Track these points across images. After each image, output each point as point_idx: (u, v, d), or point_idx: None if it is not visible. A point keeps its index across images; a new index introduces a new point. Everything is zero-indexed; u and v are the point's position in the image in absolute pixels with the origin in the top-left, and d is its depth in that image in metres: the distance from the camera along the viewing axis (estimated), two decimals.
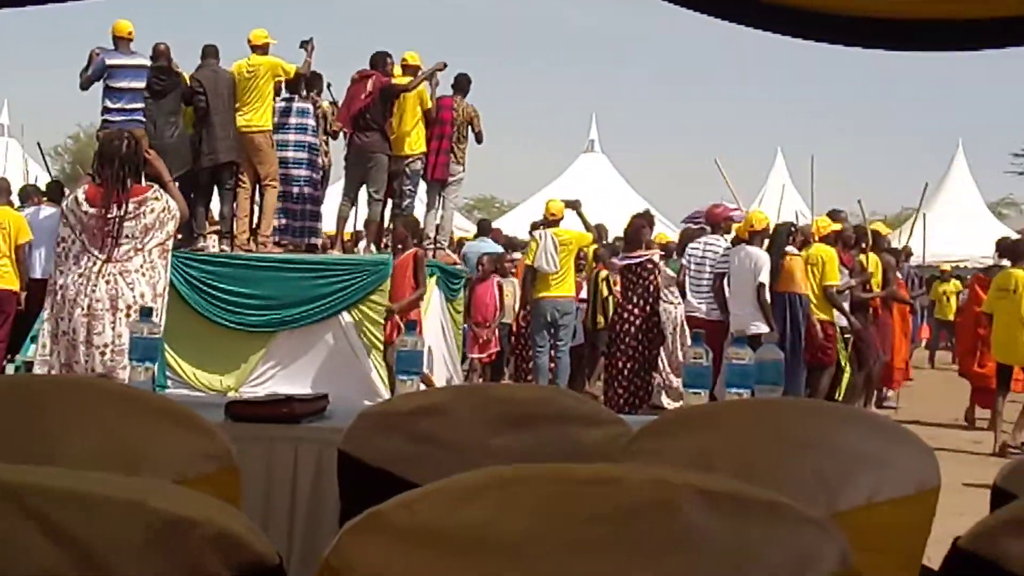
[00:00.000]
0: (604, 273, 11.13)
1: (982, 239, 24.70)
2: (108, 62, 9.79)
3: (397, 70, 10.66)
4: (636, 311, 9.91)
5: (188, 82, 10.03)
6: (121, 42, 9.95)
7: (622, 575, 1.15)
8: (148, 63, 9.90)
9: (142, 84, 9.79)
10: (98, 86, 9.88)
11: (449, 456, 2.14)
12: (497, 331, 11.38)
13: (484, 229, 14.26)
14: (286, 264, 9.60)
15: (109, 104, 9.83)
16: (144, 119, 9.69)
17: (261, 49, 10.27)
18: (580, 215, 10.69)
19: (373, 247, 10.31)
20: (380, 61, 10.36)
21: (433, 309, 10.20)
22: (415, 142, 10.44)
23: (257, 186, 10.24)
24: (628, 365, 9.84)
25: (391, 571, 1.17)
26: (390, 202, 10.58)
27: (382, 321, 9.27)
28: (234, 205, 10.16)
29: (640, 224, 10.35)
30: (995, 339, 9.75)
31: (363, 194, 10.53)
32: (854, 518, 1.99)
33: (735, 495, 1.20)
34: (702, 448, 2.06)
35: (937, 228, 22.26)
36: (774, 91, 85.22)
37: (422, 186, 11.02)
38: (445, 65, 10.76)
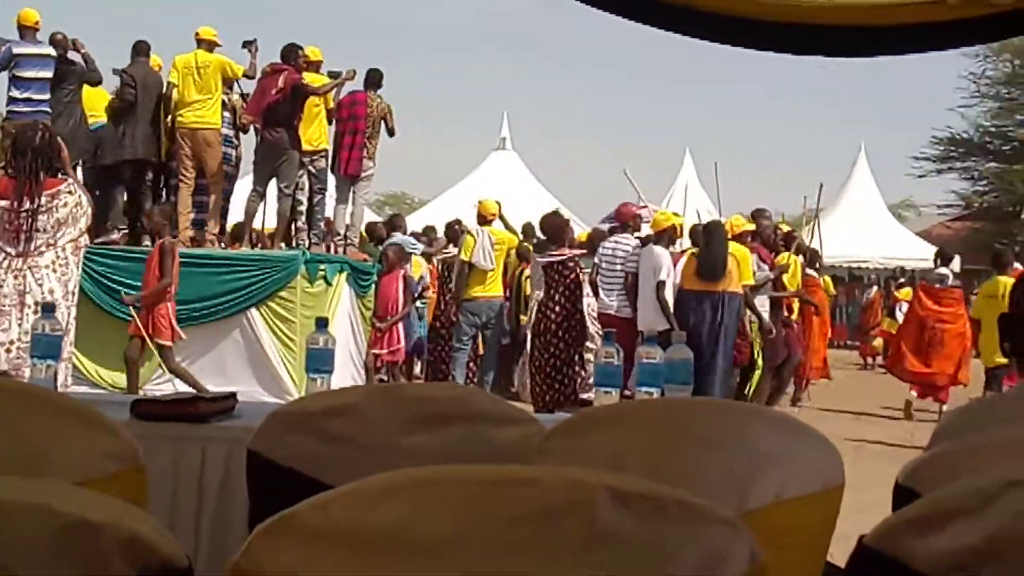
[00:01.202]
0: (527, 271, 11.19)
1: (883, 241, 25.39)
2: (15, 51, 9.63)
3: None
4: (558, 308, 9.97)
5: (88, 67, 10.01)
6: (27, 31, 9.80)
7: None
8: (54, 54, 9.72)
9: (49, 74, 9.64)
10: (3, 76, 9.67)
11: (361, 456, 2.12)
12: (403, 327, 11.15)
13: (396, 225, 14.18)
14: (194, 259, 9.44)
15: (15, 94, 9.68)
16: (50, 110, 9.49)
17: (208, 45, 10.27)
18: (502, 217, 10.78)
19: (282, 243, 10.21)
20: (292, 54, 10.27)
21: (342, 306, 10.13)
22: (316, 138, 10.37)
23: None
24: (551, 362, 9.90)
25: (304, 574, 1.16)
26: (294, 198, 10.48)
27: (293, 319, 9.19)
28: (172, 200, 10.23)
29: (561, 222, 10.47)
30: (983, 344, 10.15)
31: (272, 189, 10.42)
32: (763, 516, 2.03)
33: (648, 495, 1.21)
34: (613, 448, 2.08)
35: (839, 229, 22.78)
36: (683, 89, 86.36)
37: (331, 181, 10.94)
38: (355, 73, 10.72)
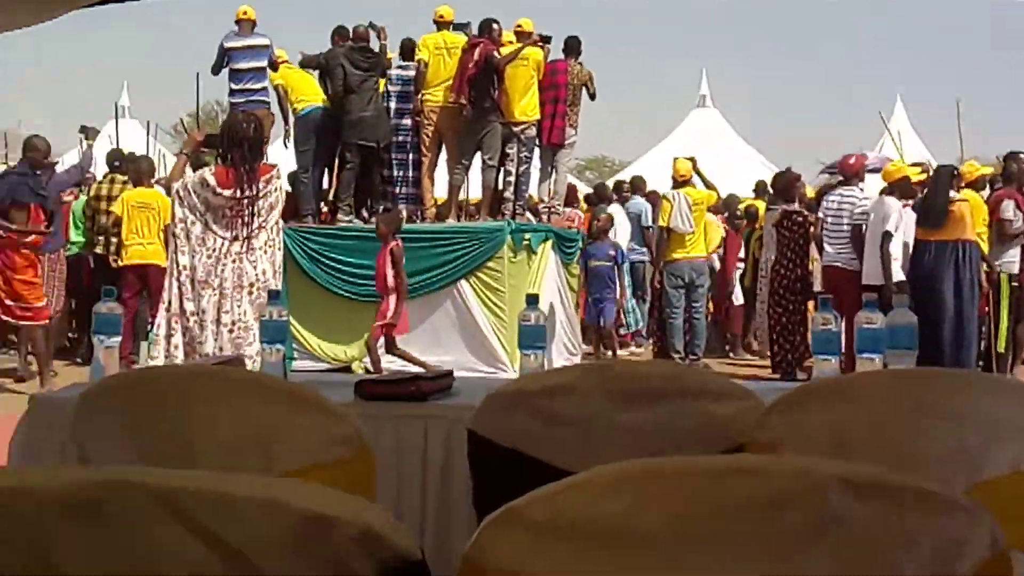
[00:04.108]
0: (759, 232, 11.07)
1: None
2: (226, 45, 10.21)
3: (511, 36, 10.68)
4: (790, 266, 9.85)
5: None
6: (242, 25, 10.31)
7: (767, 567, 1.13)
8: (267, 42, 10.24)
9: (262, 63, 10.13)
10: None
11: (579, 434, 2.14)
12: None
13: (602, 195, 13.86)
14: (403, 234, 9.71)
15: (233, 86, 10.35)
16: (267, 98, 10.01)
17: (446, 26, 10.55)
18: (699, 173, 10.62)
19: (488, 215, 10.37)
20: (486, 28, 10.39)
21: (549, 274, 10.20)
22: (529, 108, 10.43)
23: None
24: (784, 321, 9.78)
25: (530, 565, 1.17)
26: (502, 169, 10.58)
27: (501, 289, 9.33)
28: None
29: (791, 177, 10.29)
30: None
31: (476, 161, 10.59)
32: (997, 487, 1.93)
33: (882, 483, 1.17)
34: (836, 422, 2.02)
35: None
36: (894, 32, 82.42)
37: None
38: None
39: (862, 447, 1.96)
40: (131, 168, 10.42)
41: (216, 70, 10.52)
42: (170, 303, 5.79)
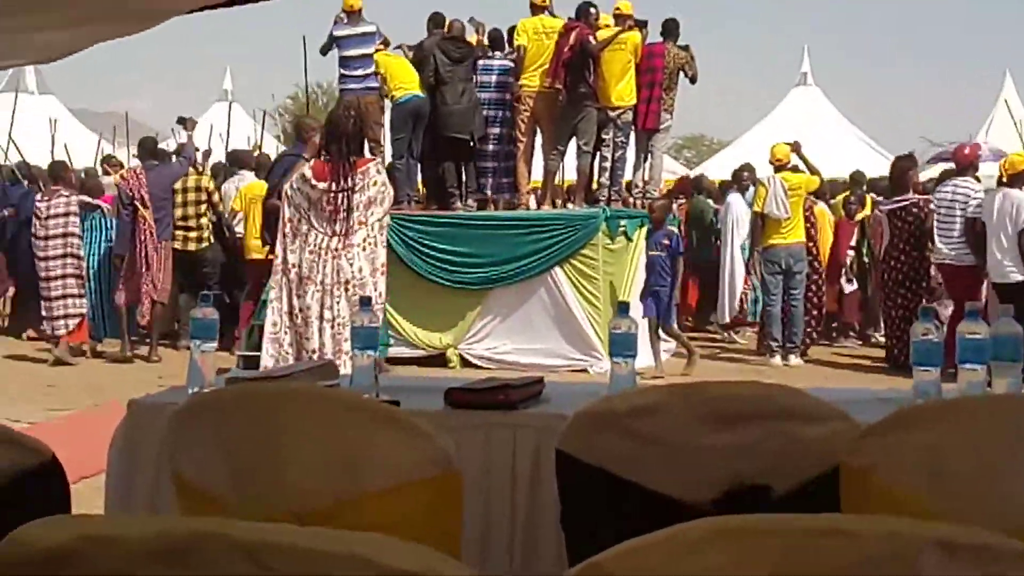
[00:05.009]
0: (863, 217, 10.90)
1: None
2: (336, 34, 10.50)
3: (609, 19, 10.59)
4: (903, 257, 9.65)
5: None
6: (350, 15, 10.50)
7: None
8: (374, 29, 10.44)
9: (370, 50, 10.32)
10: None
11: (668, 455, 2.11)
12: None
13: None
14: (498, 222, 9.73)
15: (344, 72, 10.53)
16: (376, 85, 10.29)
17: (542, 10, 10.55)
18: (802, 157, 10.41)
19: (583, 201, 10.32)
20: (583, 12, 10.33)
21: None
22: (626, 93, 10.34)
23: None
24: (899, 314, 9.59)
25: None
26: (597, 154, 10.51)
27: (596, 276, 9.30)
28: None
29: (906, 167, 10.05)
30: None
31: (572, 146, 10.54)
32: None
33: (979, 545, 1.13)
34: (934, 447, 1.96)
35: None
36: (997, 10, 79.69)
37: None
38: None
39: (960, 479, 1.90)
40: (245, 160, 10.76)
41: (324, 52, 10.73)
42: (280, 301, 5.92)
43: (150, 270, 9.87)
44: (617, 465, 2.11)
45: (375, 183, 5.80)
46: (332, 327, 5.74)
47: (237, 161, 11.95)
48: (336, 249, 5.74)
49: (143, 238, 9.85)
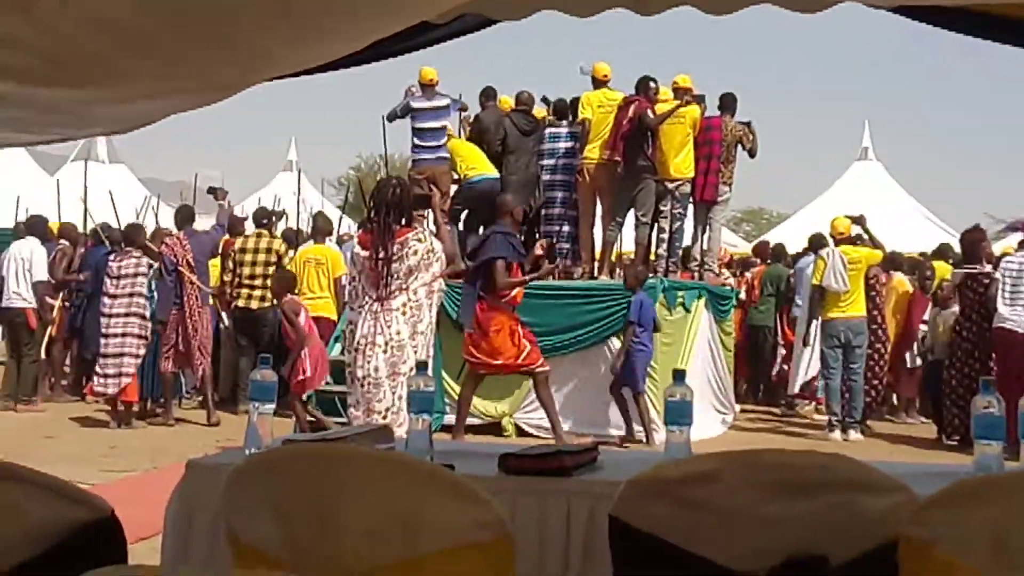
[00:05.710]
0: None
1: None
2: (412, 105, 10.83)
3: (668, 93, 10.70)
4: (974, 328, 9.57)
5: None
6: (425, 88, 10.80)
7: None
8: (447, 103, 10.81)
9: (443, 123, 10.75)
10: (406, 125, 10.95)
11: (723, 524, 2.09)
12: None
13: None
14: (556, 291, 9.75)
15: (417, 142, 10.88)
16: (448, 155, 10.60)
17: (604, 83, 10.76)
18: (867, 231, 10.33)
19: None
20: (643, 86, 10.45)
21: (701, 332, 10.10)
22: (684, 166, 10.40)
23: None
24: (964, 384, 9.45)
25: None
26: (655, 226, 10.54)
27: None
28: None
29: (978, 238, 10.02)
30: None
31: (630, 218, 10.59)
32: None
33: None
34: (996, 522, 1.92)
35: None
36: None
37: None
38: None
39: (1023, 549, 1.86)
40: (307, 225, 10.97)
41: (392, 119, 11.05)
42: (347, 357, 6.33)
43: (198, 334, 10.04)
44: (671, 533, 2.09)
45: (415, 252, 5.97)
46: (362, 385, 5.91)
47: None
48: (376, 312, 5.94)
49: (191, 303, 10.04)
